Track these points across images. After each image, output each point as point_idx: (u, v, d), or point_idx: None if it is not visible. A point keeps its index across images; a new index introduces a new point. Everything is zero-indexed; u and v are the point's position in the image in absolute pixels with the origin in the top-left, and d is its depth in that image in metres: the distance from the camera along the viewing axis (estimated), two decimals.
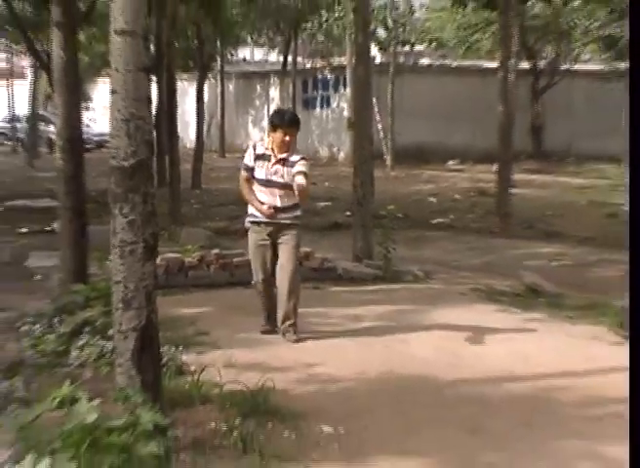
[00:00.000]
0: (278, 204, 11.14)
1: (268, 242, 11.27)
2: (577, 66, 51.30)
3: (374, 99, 24.85)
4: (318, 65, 52.11)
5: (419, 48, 56.57)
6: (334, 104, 49.95)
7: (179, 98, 28.37)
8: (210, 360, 10.07)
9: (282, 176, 11.04)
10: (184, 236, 18.56)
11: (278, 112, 11.63)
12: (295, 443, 7.90)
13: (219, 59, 48.38)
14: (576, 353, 11.00)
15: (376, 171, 18.68)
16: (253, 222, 11.38)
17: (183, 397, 8.67)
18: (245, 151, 11.97)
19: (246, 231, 11.51)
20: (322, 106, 52.01)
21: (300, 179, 10.72)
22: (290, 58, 51.54)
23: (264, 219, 11.20)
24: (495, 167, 25.72)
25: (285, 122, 11.05)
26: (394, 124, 45.86)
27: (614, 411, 8.90)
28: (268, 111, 57.33)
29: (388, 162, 43.69)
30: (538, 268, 16.75)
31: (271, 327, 11.49)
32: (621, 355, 10.92)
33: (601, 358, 10.80)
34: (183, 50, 36.48)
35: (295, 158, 11.08)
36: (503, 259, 18.42)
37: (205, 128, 34.48)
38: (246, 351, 10.61)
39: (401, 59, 50.99)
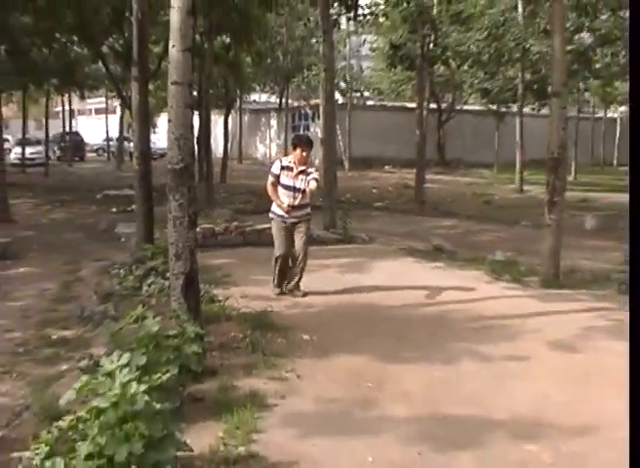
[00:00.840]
0: (296, 203, 10.18)
1: (287, 229, 10.29)
2: (465, 107, 51.53)
3: (337, 126, 24.93)
4: (302, 104, 51.96)
5: (366, 94, 56.71)
6: (312, 129, 50.17)
7: (212, 125, 28.79)
8: (231, 293, 10.08)
9: (301, 183, 10.13)
10: (215, 213, 18.57)
11: (298, 136, 10.95)
12: (285, 345, 7.97)
13: (238, 101, 48.20)
14: (464, 287, 11.01)
15: (338, 172, 18.65)
16: (276, 216, 10.41)
17: (214, 316, 8.73)
18: (269, 163, 11.63)
19: (270, 220, 10.55)
20: (304, 131, 52.28)
21: (313, 184, 10.00)
22: (284, 100, 51.62)
23: (285, 214, 10.24)
24: (414, 170, 25.79)
25: (303, 142, 10.30)
26: (350, 142, 46.52)
27: (487, 325, 8.92)
28: (270, 134, 57.42)
29: (346, 166, 43.85)
30: (441, 235, 16.78)
31: (281, 290, 10.46)
32: (493, 289, 11.00)
33: (480, 291, 10.80)
34: (215, 95, 36.32)
35: (310, 170, 10.27)
36: (420, 229, 18.41)
37: (229, 144, 34.33)
38: (255, 287, 10.62)
39: (355, 101, 51.01)
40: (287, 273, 10.47)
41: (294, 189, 10.21)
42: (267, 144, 57.70)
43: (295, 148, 10.28)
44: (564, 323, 9.16)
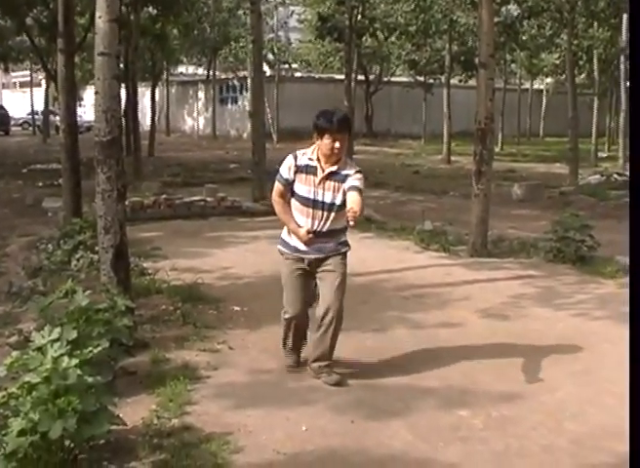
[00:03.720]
0: (323, 228, 6.10)
1: (305, 272, 6.24)
2: (393, 78, 51.75)
3: (265, 99, 24.77)
4: (230, 76, 51.69)
5: (294, 66, 56.60)
6: (240, 102, 49.96)
7: (139, 98, 28.57)
8: (161, 266, 10.05)
9: (332, 194, 6.04)
10: (144, 187, 18.41)
11: (324, 113, 6.10)
12: (216, 317, 7.98)
13: (165, 73, 47.68)
14: (393, 257, 11.10)
15: (266, 144, 18.63)
16: (287, 248, 6.27)
17: (144, 289, 8.71)
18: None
19: (281, 254, 6.37)
20: (232, 103, 52.14)
21: (355, 199, 5.72)
22: (211, 72, 51.28)
23: (303, 248, 6.15)
24: None
25: (334, 125, 5.94)
26: (279, 114, 46.35)
27: (418, 293, 9.03)
28: (197, 106, 56.92)
29: (275, 138, 43.65)
30: (370, 205, 16.70)
31: (298, 363, 6.54)
32: (422, 258, 11.12)
33: (408, 260, 10.92)
34: (142, 67, 35.89)
35: (348, 170, 6.03)
36: None
37: (156, 117, 34.00)
38: (185, 260, 10.58)
39: (283, 73, 50.90)
40: (306, 333, 6.61)
41: (318, 204, 6.13)
42: (195, 117, 57.21)
43: (321, 135, 6.02)
44: (492, 290, 9.32)
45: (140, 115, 28.46)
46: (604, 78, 36.97)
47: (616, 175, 24.44)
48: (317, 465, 4.81)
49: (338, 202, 6.04)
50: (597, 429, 5.40)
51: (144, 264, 10.02)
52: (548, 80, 54.56)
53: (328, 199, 6.05)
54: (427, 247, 11.99)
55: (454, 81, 37.27)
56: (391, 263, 10.68)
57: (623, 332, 7.84)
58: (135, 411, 5.44)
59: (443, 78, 36.24)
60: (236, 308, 8.29)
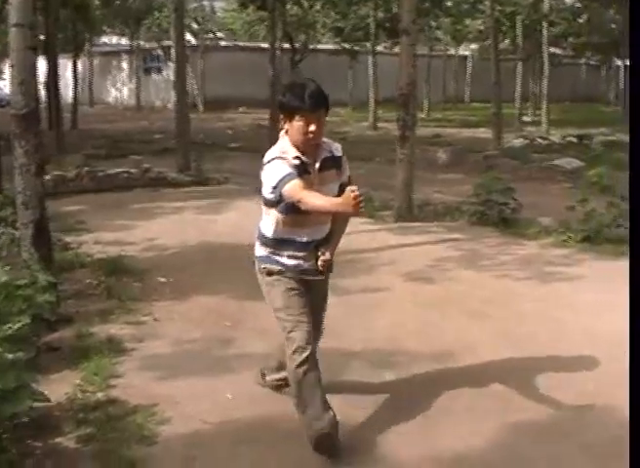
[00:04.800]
0: (322, 234, 4.84)
1: (306, 290, 4.85)
2: (319, 46, 51.59)
3: (189, 68, 24.60)
4: (154, 46, 51.04)
5: (219, 34, 56.09)
6: (164, 72, 49.40)
7: (61, 70, 28.04)
8: (85, 239, 9.96)
9: (330, 187, 4.68)
10: (67, 160, 18.08)
11: (292, 88, 4.67)
12: (141, 289, 7.93)
13: (87, 44, 46.91)
14: None
15: (192, 114, 18.52)
16: (282, 268, 4.82)
17: (68, 264, 8.61)
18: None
19: (268, 274, 4.87)
20: (157, 73, 51.66)
21: (339, 233, 4.96)
22: (135, 42, 50.62)
23: (305, 266, 4.79)
24: (269, 110, 25.74)
25: (306, 102, 4.48)
26: (204, 83, 46.10)
27: (344, 259, 8.98)
28: (121, 77, 56.19)
29: (201, 108, 43.39)
30: None
31: (336, 427, 4.58)
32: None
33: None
34: (64, 38, 35.21)
35: (334, 149, 4.78)
36: None
37: (79, 89, 33.43)
38: (109, 233, 10.48)
39: (208, 42, 50.43)
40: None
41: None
42: (119, 88, 56.42)
43: (288, 116, 4.60)
44: (418, 254, 9.40)
45: (62, 87, 27.82)
46: (527, 44, 37.36)
47: (539, 139, 24.79)
48: (244, 432, 4.81)
49: (335, 192, 4.63)
50: (519, 387, 5.48)
51: (68, 239, 9.87)
52: (473, 46, 54.90)
53: (326, 193, 4.50)
54: None
55: (379, 48, 37.31)
56: None
57: (545, 291, 8.04)
58: (59, 387, 5.37)
59: (369, 45, 36.20)
60: (161, 279, 8.24)
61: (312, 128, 4.52)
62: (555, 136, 26.17)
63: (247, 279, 8.14)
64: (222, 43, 54.16)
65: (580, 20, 38.54)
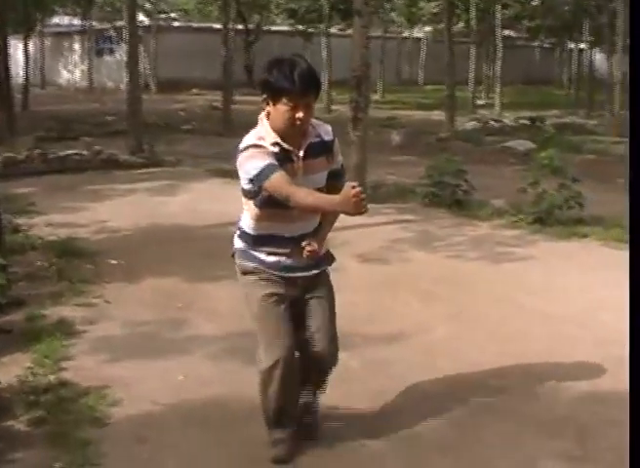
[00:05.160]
0: (308, 228, 4.19)
1: (289, 297, 4.25)
2: (273, 27, 51.46)
3: (142, 49, 24.42)
4: (106, 27, 50.48)
5: (173, 15, 55.66)
6: (117, 53, 48.92)
7: (12, 51, 27.61)
8: (36, 222, 9.87)
9: (318, 177, 4.10)
10: (18, 142, 17.88)
11: (279, 65, 3.92)
12: (93, 272, 7.87)
13: (39, 24, 46.29)
14: None
15: (144, 96, 18.40)
16: (259, 266, 4.23)
17: (18, 246, 8.50)
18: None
19: (243, 272, 4.31)
20: (109, 54, 51.16)
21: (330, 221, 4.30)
22: (86, 22, 50.07)
23: (289, 262, 4.19)
24: (221, 92, 25.63)
25: (296, 84, 3.82)
26: (157, 64, 45.73)
27: None
28: (73, 58, 55.58)
29: (153, 89, 43.03)
30: None
31: (292, 451, 4.30)
32: None
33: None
34: (14, 18, 34.71)
35: (324, 133, 4.11)
36: (228, 151, 18.14)
37: (30, 70, 33.04)
38: (60, 215, 10.39)
39: (161, 22, 49.99)
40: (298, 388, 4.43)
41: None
42: (71, 69, 55.78)
43: (273, 98, 3.93)
44: (371, 236, 9.45)
45: (12, 68, 27.41)
46: (481, 26, 37.52)
47: (492, 122, 24.94)
48: (195, 413, 4.82)
49: (323, 183, 4.10)
50: (470, 366, 5.54)
51: (18, 221, 9.74)
52: (427, 29, 55.01)
53: (314, 185, 3.99)
54: None
55: (333, 30, 37.24)
56: None
57: (497, 272, 8.13)
58: (9, 370, 5.33)
59: (323, 27, 36.13)
60: (113, 262, 8.20)
61: (300, 114, 3.85)
62: (508, 118, 26.34)
63: (199, 260, 8.22)
64: (176, 23, 53.72)
65: (534, 3, 38.70)
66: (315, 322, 4.30)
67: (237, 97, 29.47)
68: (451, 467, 4.27)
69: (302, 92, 3.85)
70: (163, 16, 51.96)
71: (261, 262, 4.21)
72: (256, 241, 4.22)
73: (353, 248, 8.76)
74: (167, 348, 5.83)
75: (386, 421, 4.74)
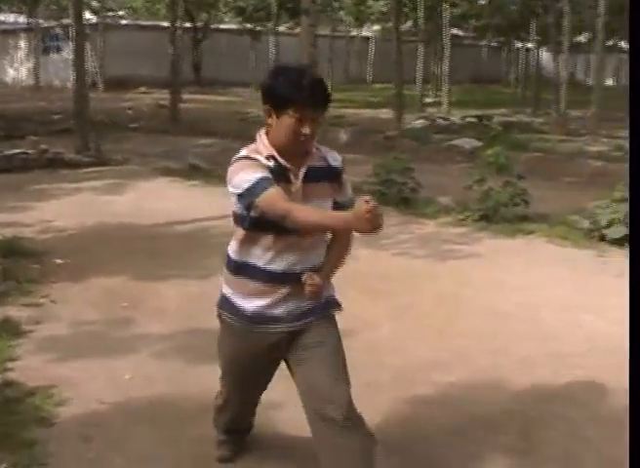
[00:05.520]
0: (301, 264, 3.53)
1: (273, 352, 3.72)
2: (221, 26, 51.32)
3: (89, 47, 24.23)
4: (53, 25, 49.97)
5: (120, 12, 55.27)
6: (63, 51, 48.47)
7: None
8: None
9: (317, 204, 3.46)
10: None
11: (286, 73, 3.44)
12: (39, 271, 7.81)
13: None
14: (219, 204, 11.06)
15: (92, 94, 18.26)
16: (234, 311, 3.63)
17: None
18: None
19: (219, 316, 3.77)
20: (56, 52, 50.60)
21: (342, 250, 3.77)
22: (33, 20, 49.53)
23: (272, 312, 3.55)
24: (169, 90, 25.54)
25: (305, 95, 3.31)
26: (104, 63, 45.36)
27: None
28: (19, 56, 54.91)
29: (101, 88, 42.71)
30: (198, 153, 16.65)
31: (233, 453, 4.24)
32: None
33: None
34: None
35: (332, 160, 3.59)
36: (176, 149, 18.06)
37: None
38: (5, 214, 10.27)
39: (108, 20, 49.60)
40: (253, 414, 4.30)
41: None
42: (17, 67, 55.12)
43: (278, 110, 3.39)
44: None
45: None
46: (429, 25, 37.77)
47: (439, 120, 25.16)
48: (142, 412, 4.83)
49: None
50: (416, 362, 5.62)
51: None
52: (376, 27, 55.21)
53: None
54: None
55: (282, 28, 37.29)
56: (217, 210, 10.61)
57: (443, 269, 8.22)
58: None
59: (271, 25, 36.16)
60: (59, 261, 8.14)
61: (306, 129, 3.34)
62: (455, 116, 26.59)
63: (145, 259, 8.19)
64: (123, 21, 53.38)
65: (482, 2, 39.04)
66: (317, 378, 3.59)
67: (185, 96, 29.45)
68: (398, 464, 4.31)
69: (312, 103, 3.35)
70: (110, 14, 51.68)
71: (236, 310, 3.59)
72: (238, 270, 3.60)
73: None
74: (114, 347, 5.82)
75: None
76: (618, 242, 8.88)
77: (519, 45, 45.83)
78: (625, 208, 8.74)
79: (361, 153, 17.16)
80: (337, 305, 3.87)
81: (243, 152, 3.47)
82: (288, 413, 4.64)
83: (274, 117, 3.39)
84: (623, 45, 38.46)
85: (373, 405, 4.92)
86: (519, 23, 38.36)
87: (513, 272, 8.13)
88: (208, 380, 5.19)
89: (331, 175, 3.55)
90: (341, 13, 47.77)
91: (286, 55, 35.83)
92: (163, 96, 29.36)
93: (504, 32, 43.11)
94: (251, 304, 3.54)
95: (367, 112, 29.99)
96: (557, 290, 7.23)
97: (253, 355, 3.71)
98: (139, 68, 45.59)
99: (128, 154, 16.33)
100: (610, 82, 43.46)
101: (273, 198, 3.26)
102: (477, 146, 17.57)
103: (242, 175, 3.35)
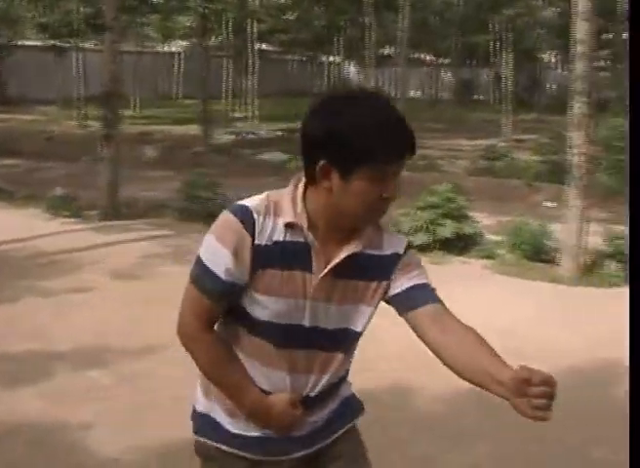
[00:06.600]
0: (317, 388, 2.20)
1: None
2: (27, 42, 49.97)
3: None
4: None
5: None
6: None
7: None
8: None
9: (350, 310, 2.17)
10: None
11: (352, 109, 2.00)
12: None
13: None
14: (24, 225, 10.89)
15: None
16: (220, 443, 2.29)
17: None
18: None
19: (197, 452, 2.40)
20: None
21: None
22: None
23: (268, 435, 2.26)
24: None
25: (394, 144, 2.02)
26: None
27: (49, 260, 9.00)
28: None
29: None
30: (2, 175, 16.23)
31: None
32: (52, 225, 11.07)
33: (39, 228, 10.79)
34: None
35: (391, 244, 2.23)
36: None
37: None
38: None
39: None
40: None
41: (313, 338, 2.20)
42: None
43: (344, 170, 2.02)
44: (124, 252, 9.52)
45: None
46: (237, 40, 38.07)
47: (247, 134, 25.47)
48: None
49: (361, 327, 2.28)
50: None
51: None
52: (183, 43, 55.12)
53: (338, 323, 2.25)
54: (57, 213, 11.89)
55: (88, 45, 36.68)
56: (22, 232, 10.50)
57: None
58: None
59: (75, 41, 35.55)
60: None
61: (391, 191, 2.09)
62: (264, 130, 26.94)
63: None
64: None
65: (290, 17, 39.70)
66: None
67: None
68: None
69: (400, 151, 2.09)
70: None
71: (218, 436, 2.36)
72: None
73: (106, 265, 8.81)
74: None
75: (141, 432, 4.85)
76: (421, 249, 9.37)
77: (328, 58, 46.86)
78: (427, 216, 9.33)
79: (169, 170, 17.21)
80: (358, 403, 2.54)
81: (250, 201, 2.23)
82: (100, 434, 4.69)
83: (337, 178, 2.06)
84: (428, 58, 40.03)
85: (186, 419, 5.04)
86: (325, 38, 39.23)
87: None
88: (15, 404, 5.24)
89: (383, 268, 2.24)
90: (149, 28, 47.46)
91: (93, 71, 35.18)
92: None
93: (311, 47, 44.00)
94: (232, 427, 2.33)
95: (175, 129, 29.90)
96: None
97: None
98: None
99: None
100: (415, 94, 45.16)
101: (193, 304, 2.27)
102: (284, 159, 17.91)
103: (212, 243, 2.22)
